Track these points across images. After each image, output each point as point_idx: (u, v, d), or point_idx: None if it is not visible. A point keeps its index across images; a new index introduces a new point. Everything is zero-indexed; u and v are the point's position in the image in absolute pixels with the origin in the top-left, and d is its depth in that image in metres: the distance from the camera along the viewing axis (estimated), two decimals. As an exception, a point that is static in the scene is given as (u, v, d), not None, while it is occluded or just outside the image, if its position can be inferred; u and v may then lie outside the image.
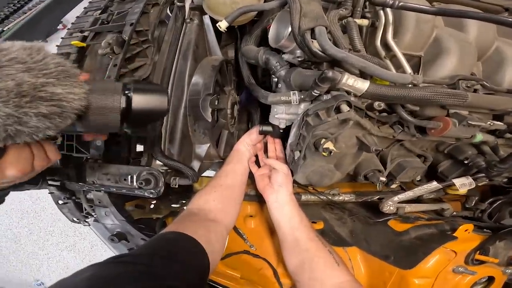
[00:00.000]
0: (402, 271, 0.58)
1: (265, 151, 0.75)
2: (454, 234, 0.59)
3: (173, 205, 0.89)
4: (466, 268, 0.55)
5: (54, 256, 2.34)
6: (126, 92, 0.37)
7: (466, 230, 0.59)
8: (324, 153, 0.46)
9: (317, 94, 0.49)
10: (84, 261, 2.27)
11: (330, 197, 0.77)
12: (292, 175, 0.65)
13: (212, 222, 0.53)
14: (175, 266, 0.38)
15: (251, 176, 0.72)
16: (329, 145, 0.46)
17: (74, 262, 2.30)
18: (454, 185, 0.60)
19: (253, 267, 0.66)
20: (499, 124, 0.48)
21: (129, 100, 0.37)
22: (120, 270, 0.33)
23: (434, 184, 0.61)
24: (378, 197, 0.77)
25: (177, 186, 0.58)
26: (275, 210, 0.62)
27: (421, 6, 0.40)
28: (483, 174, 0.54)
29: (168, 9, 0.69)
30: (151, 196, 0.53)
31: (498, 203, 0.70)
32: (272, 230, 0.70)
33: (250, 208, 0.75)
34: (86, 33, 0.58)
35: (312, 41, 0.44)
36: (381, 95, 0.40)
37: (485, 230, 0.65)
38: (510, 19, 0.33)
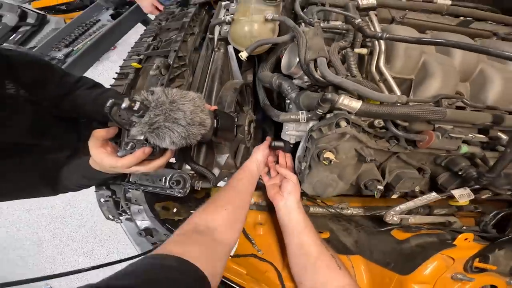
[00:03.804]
0: (401, 276, 0.60)
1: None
2: (453, 243, 0.62)
3: (192, 211, 0.99)
4: (464, 275, 0.58)
5: (70, 262, 2.41)
6: (217, 117, 0.58)
7: (466, 239, 0.62)
8: (324, 162, 0.55)
9: (320, 113, 0.58)
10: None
11: (339, 210, 0.82)
12: (300, 185, 0.72)
13: (218, 243, 0.51)
14: None
15: (262, 188, 0.78)
16: (329, 155, 0.54)
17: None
18: (454, 196, 0.64)
19: (259, 269, 0.71)
20: (480, 137, 0.54)
21: (217, 122, 0.58)
22: None
23: (433, 195, 0.66)
24: (386, 211, 0.81)
25: (200, 189, 0.68)
26: (283, 215, 0.68)
27: (404, 37, 0.50)
28: (478, 185, 0.59)
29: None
30: (179, 195, 0.63)
31: (501, 214, 0.72)
32: (279, 238, 0.75)
33: (260, 217, 0.81)
34: (141, 57, 0.73)
35: (316, 69, 0.55)
36: (371, 113, 0.49)
37: (488, 241, 0.67)
38: (478, 46, 0.41)
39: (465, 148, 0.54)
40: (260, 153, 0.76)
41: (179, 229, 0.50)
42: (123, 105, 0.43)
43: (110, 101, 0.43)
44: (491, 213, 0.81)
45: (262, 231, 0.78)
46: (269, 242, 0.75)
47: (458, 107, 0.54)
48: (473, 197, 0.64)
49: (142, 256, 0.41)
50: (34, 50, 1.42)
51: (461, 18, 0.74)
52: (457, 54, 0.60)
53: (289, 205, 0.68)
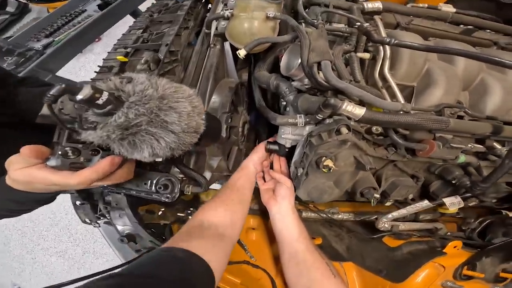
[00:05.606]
0: (394, 284, 0.61)
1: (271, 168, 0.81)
2: (443, 250, 0.63)
3: (179, 214, 0.94)
4: (454, 282, 0.59)
5: (41, 261, 2.26)
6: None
7: (455, 247, 0.64)
8: (324, 170, 0.53)
9: (320, 118, 0.56)
10: (72, 268, 2.20)
11: (329, 215, 0.81)
12: (295, 191, 0.70)
13: (221, 238, 0.53)
14: None
15: (255, 191, 0.75)
16: (329, 162, 0.52)
17: (61, 268, 2.23)
18: (445, 204, 0.65)
19: (253, 277, 0.69)
20: (479, 147, 0.55)
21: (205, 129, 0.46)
22: None
23: (425, 203, 0.67)
24: (376, 216, 0.81)
25: (190, 194, 0.63)
26: (277, 221, 0.66)
27: (412, 44, 0.48)
28: (470, 194, 0.60)
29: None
30: (167, 200, 0.58)
31: (486, 222, 0.75)
32: (272, 243, 0.73)
33: (252, 221, 0.79)
34: (128, 50, 0.67)
35: (319, 72, 0.52)
36: (375, 120, 0.47)
37: (475, 248, 0.69)
38: (484, 55, 0.40)
39: (463, 158, 0.54)
40: (256, 154, 0.77)
41: (185, 225, 0.54)
42: (80, 96, 0.28)
43: (61, 86, 0.28)
44: (473, 218, 0.84)
45: (255, 236, 0.76)
46: (262, 247, 0.74)
47: (458, 117, 0.54)
48: (463, 205, 0.65)
49: (154, 249, 0.44)
50: (10, 40, 1.29)
51: (462, 26, 0.75)
52: (460, 62, 0.60)
53: (283, 211, 0.66)
